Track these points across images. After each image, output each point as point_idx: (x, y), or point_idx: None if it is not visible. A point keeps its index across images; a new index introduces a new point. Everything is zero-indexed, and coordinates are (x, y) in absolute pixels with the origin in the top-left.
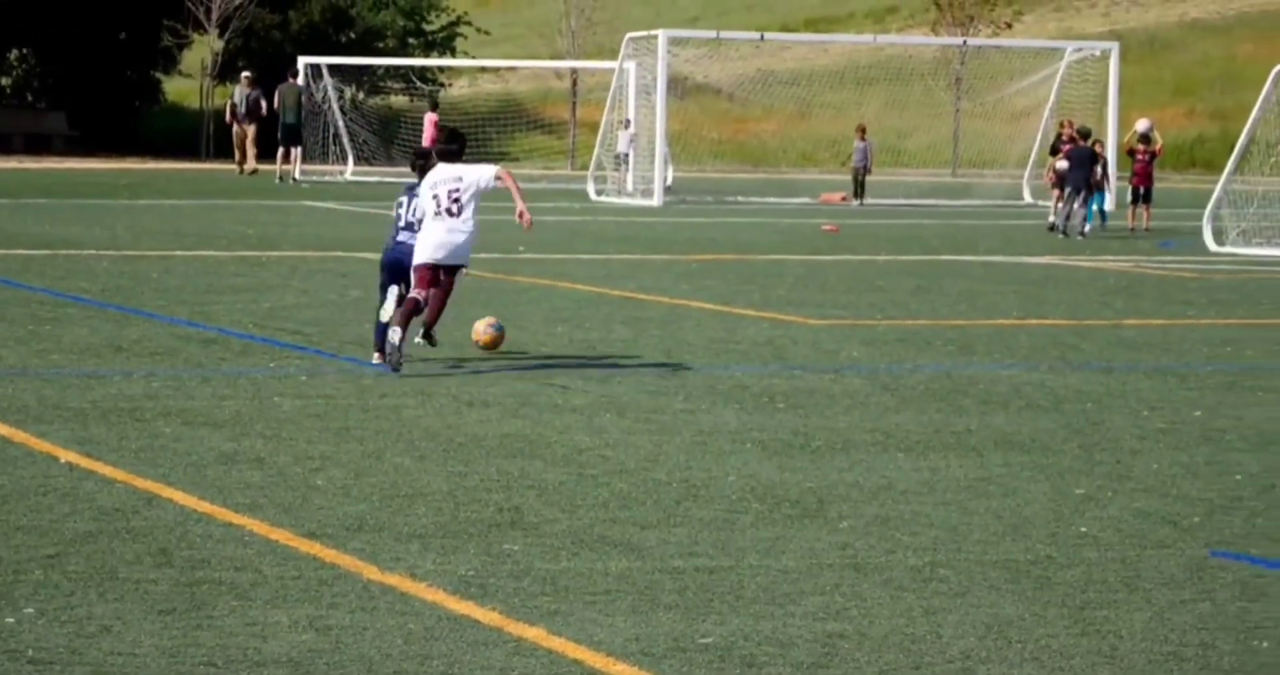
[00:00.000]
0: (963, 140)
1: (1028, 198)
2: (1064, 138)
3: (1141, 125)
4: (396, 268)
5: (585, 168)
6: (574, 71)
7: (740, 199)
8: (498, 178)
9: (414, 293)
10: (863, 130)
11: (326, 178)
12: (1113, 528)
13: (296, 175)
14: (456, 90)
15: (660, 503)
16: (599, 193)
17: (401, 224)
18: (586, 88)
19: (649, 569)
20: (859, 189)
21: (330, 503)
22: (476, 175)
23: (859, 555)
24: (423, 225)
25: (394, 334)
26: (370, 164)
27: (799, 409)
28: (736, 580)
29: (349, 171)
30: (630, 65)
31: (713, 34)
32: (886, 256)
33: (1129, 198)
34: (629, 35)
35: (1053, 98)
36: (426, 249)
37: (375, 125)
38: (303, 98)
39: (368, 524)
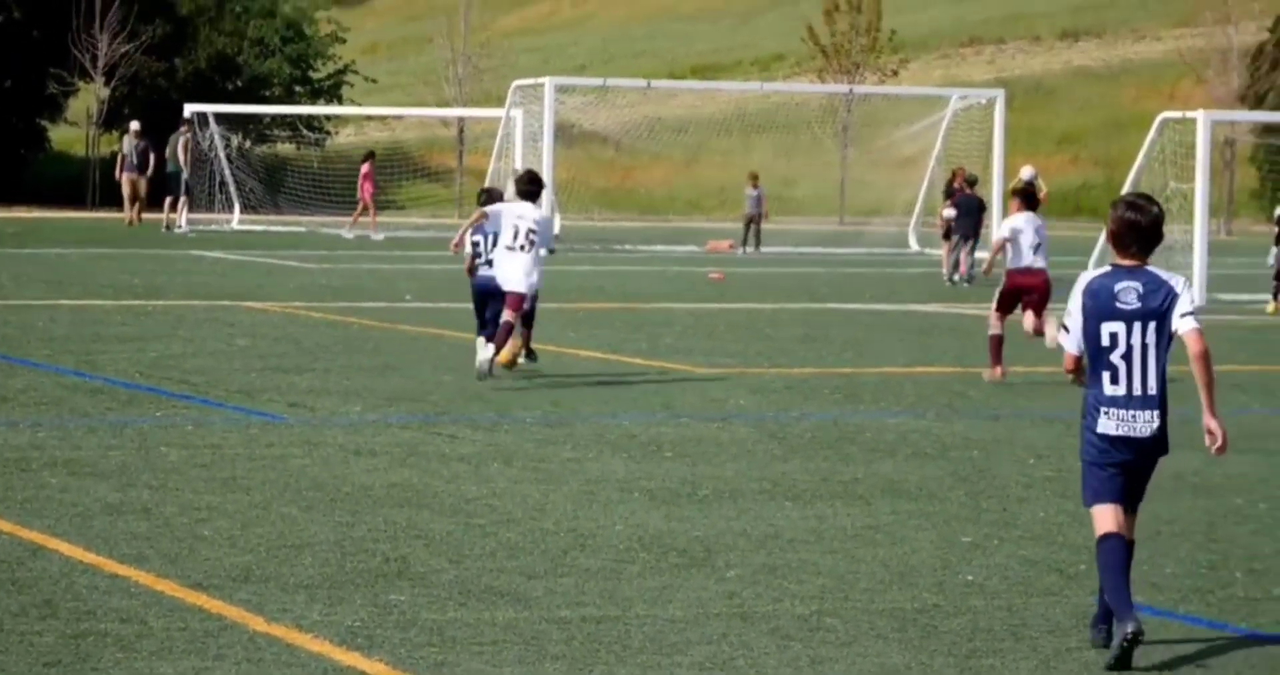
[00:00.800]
0: (850, 188)
1: (914, 246)
2: (956, 186)
3: (1026, 173)
4: (486, 293)
5: None
6: (461, 119)
7: (628, 247)
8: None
9: (508, 316)
10: (754, 177)
11: (213, 226)
12: (999, 575)
13: (182, 223)
14: (343, 138)
15: (547, 552)
16: None
17: (482, 260)
18: (473, 135)
19: (536, 619)
20: (749, 237)
21: (217, 553)
22: (547, 230)
23: (746, 604)
24: (499, 253)
25: (487, 350)
26: (257, 212)
27: (686, 457)
28: (623, 630)
29: (235, 220)
30: (517, 113)
31: (600, 82)
32: (774, 305)
33: None
34: (516, 83)
35: (939, 145)
36: (514, 279)
37: (262, 173)
38: (180, 145)
39: (254, 574)
